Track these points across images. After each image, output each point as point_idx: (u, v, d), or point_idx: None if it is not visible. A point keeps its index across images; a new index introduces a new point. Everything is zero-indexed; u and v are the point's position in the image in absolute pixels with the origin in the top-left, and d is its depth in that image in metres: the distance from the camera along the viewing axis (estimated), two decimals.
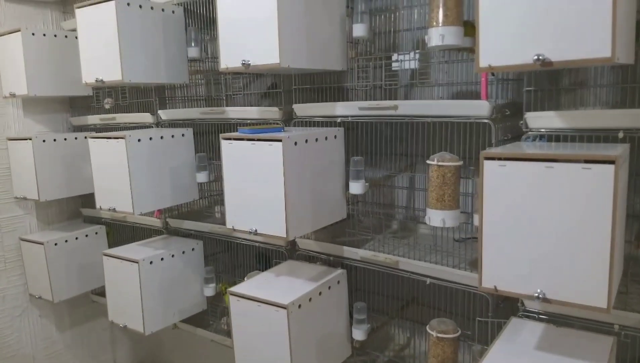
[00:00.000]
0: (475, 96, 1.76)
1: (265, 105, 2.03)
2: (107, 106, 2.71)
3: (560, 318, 1.45)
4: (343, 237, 1.97)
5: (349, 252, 1.87)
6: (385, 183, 2.04)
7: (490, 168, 1.22)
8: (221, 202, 2.43)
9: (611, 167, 1.08)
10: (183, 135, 2.24)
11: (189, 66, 2.28)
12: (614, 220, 1.09)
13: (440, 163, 1.52)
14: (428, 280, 1.70)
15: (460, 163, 1.54)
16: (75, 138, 2.65)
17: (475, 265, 1.59)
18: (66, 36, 2.60)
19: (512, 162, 1.19)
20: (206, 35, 2.37)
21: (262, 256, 2.27)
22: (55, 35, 2.56)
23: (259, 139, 1.64)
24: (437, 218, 1.55)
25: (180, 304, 2.33)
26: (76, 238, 2.69)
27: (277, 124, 1.95)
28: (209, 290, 2.36)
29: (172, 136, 2.20)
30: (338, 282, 1.87)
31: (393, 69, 1.91)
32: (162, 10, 2.13)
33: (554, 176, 1.14)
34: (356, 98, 2.03)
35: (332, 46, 1.81)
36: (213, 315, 2.47)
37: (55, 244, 2.59)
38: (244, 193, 1.71)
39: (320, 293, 1.77)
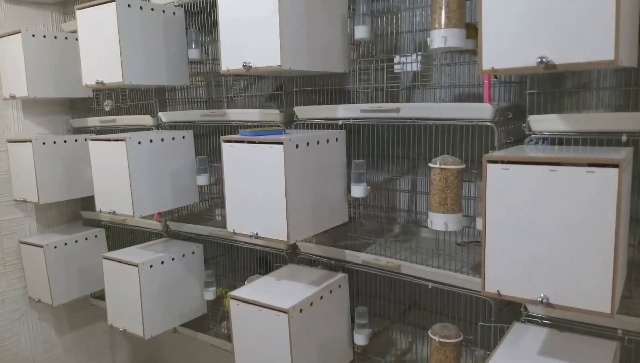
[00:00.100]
0: (478, 98, 1.76)
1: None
2: (107, 108, 2.70)
3: (564, 323, 1.44)
4: (344, 241, 1.96)
5: (351, 256, 1.86)
6: (387, 186, 2.03)
7: (493, 172, 1.21)
8: (222, 205, 2.42)
9: (615, 171, 1.07)
10: (183, 137, 2.24)
11: (189, 67, 2.28)
12: (618, 224, 1.08)
13: (442, 166, 1.51)
14: (430, 285, 1.68)
15: (463, 166, 1.53)
16: (75, 140, 2.64)
17: (477, 269, 1.58)
18: (66, 38, 2.60)
19: (515, 166, 1.18)
20: (207, 37, 2.36)
21: (263, 259, 2.26)
22: (55, 37, 2.55)
23: (260, 142, 1.63)
24: (439, 221, 1.54)
25: (180, 308, 2.31)
26: (76, 241, 2.68)
27: (279, 126, 1.94)
28: (209, 294, 2.35)
29: (173, 139, 2.19)
30: (339, 286, 1.86)
31: (395, 71, 1.90)
32: (163, 11, 2.12)
33: (557, 179, 1.13)
34: (358, 100, 2.02)
35: (333, 48, 1.81)
36: (213, 319, 2.46)
37: (55, 247, 2.58)
38: (245, 196, 1.71)
39: (321, 298, 1.76)
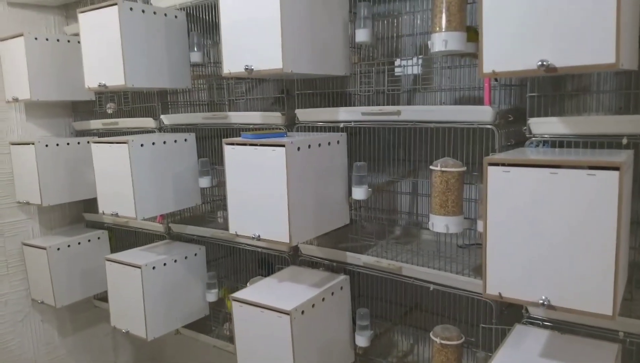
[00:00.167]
0: (479, 101, 1.76)
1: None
2: (109, 111, 2.71)
3: (565, 325, 1.44)
4: (346, 243, 1.97)
5: (352, 258, 1.86)
6: (388, 189, 2.03)
7: (494, 174, 1.21)
8: (224, 207, 2.42)
9: (616, 173, 1.08)
10: (186, 140, 2.24)
11: (191, 70, 2.28)
12: (619, 227, 1.08)
13: (443, 169, 1.52)
14: (431, 286, 1.69)
15: (464, 168, 1.53)
16: (78, 143, 2.65)
17: (479, 271, 1.59)
18: (69, 41, 2.61)
19: (516, 168, 1.19)
20: (208, 40, 2.37)
21: (265, 261, 2.27)
22: (58, 40, 2.56)
23: (262, 144, 1.64)
24: (440, 224, 1.54)
25: (183, 309, 2.32)
26: (79, 243, 2.69)
27: (280, 129, 1.95)
28: (212, 296, 2.36)
29: (175, 141, 2.20)
30: (341, 288, 1.87)
31: (396, 74, 1.91)
32: (165, 15, 2.13)
33: (558, 182, 1.14)
34: (359, 103, 2.02)
35: (334, 51, 1.81)
36: (215, 321, 2.46)
37: (58, 249, 2.59)
38: (247, 198, 1.71)
39: (323, 299, 1.77)
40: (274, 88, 2.27)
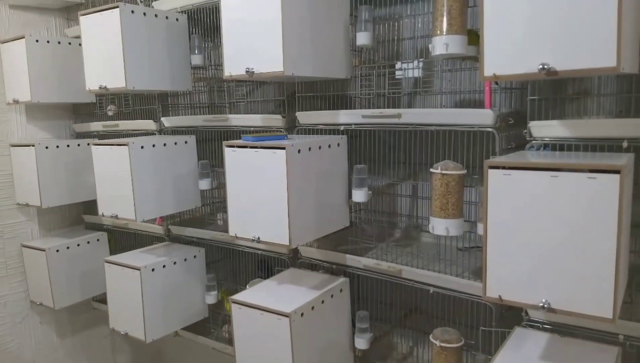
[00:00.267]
0: (479, 104, 1.77)
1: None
2: (110, 113, 2.71)
3: (565, 328, 1.44)
4: (346, 245, 1.97)
5: (352, 260, 1.86)
6: (388, 191, 2.04)
7: (494, 177, 1.21)
8: (223, 209, 2.43)
9: (616, 176, 1.08)
10: (186, 142, 2.25)
11: (192, 73, 2.29)
12: (619, 230, 1.08)
13: (444, 172, 1.52)
14: (431, 289, 1.69)
15: (464, 171, 1.53)
16: (78, 145, 2.65)
17: (478, 274, 1.59)
18: (70, 43, 2.61)
19: (517, 171, 1.19)
20: (209, 43, 2.38)
21: (264, 264, 2.27)
22: (59, 42, 2.56)
23: (262, 147, 1.64)
24: (440, 226, 1.54)
25: (182, 311, 2.32)
26: (78, 245, 2.69)
27: (281, 131, 1.95)
28: (211, 298, 2.36)
29: (175, 143, 2.20)
30: (341, 290, 1.87)
31: (396, 77, 1.91)
32: (166, 17, 2.14)
33: (558, 185, 1.14)
34: (359, 106, 2.03)
35: (335, 54, 1.82)
36: (214, 323, 2.46)
37: (57, 250, 2.59)
38: (247, 200, 1.71)
39: (322, 302, 1.77)
40: (274, 91, 2.27)
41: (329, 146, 1.78)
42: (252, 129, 2.08)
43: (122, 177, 2.04)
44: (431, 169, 1.55)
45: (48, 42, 2.51)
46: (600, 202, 1.10)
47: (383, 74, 1.88)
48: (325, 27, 1.76)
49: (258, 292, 1.83)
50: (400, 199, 2.06)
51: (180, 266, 2.29)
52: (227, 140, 1.76)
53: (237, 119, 2.13)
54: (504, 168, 1.20)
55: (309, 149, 1.68)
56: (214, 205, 2.56)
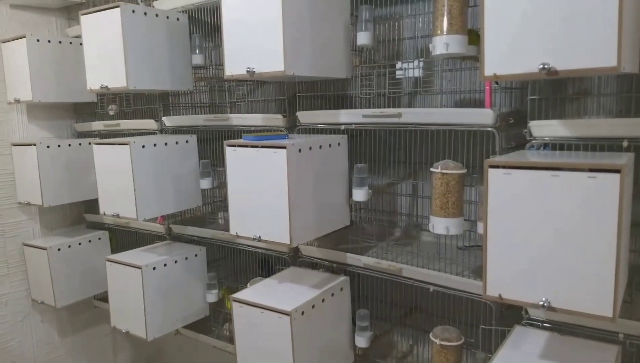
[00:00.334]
0: (479, 104, 1.77)
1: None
2: (111, 113, 2.72)
3: (565, 327, 1.45)
4: (346, 244, 1.97)
5: (352, 259, 1.87)
6: (388, 190, 2.04)
7: (495, 176, 1.22)
8: (224, 208, 2.43)
9: (616, 176, 1.08)
10: (187, 142, 2.25)
11: (193, 72, 2.29)
12: (619, 229, 1.09)
13: (444, 171, 1.53)
14: (431, 288, 1.69)
15: (464, 170, 1.54)
16: (80, 144, 2.66)
17: (478, 272, 1.59)
18: (71, 43, 2.61)
19: (517, 170, 1.19)
20: (210, 43, 2.38)
21: (265, 262, 2.27)
22: (60, 42, 2.57)
23: (263, 146, 1.64)
24: (440, 225, 1.55)
25: (183, 310, 2.32)
26: (79, 244, 2.69)
27: (281, 131, 1.96)
28: (212, 296, 2.36)
29: (176, 143, 2.20)
30: (341, 289, 1.87)
31: (397, 77, 1.91)
32: (167, 17, 2.14)
33: (558, 184, 1.14)
34: (360, 106, 2.03)
35: (336, 54, 1.82)
36: (215, 321, 2.47)
37: (59, 249, 2.59)
38: (248, 199, 1.72)
39: (323, 300, 1.77)
40: (275, 90, 2.28)
41: (330, 145, 1.78)
42: (252, 128, 2.09)
43: (123, 176, 2.05)
44: (431, 169, 1.55)
45: (49, 41, 2.52)
46: (600, 201, 1.10)
47: (383, 73, 1.89)
48: (325, 27, 1.76)
49: (259, 291, 1.83)
50: (401, 199, 2.06)
51: (182, 264, 2.30)
52: (228, 139, 1.77)
53: (238, 119, 2.13)
54: (504, 167, 1.21)
55: (310, 148, 1.68)
56: (215, 204, 2.57)
